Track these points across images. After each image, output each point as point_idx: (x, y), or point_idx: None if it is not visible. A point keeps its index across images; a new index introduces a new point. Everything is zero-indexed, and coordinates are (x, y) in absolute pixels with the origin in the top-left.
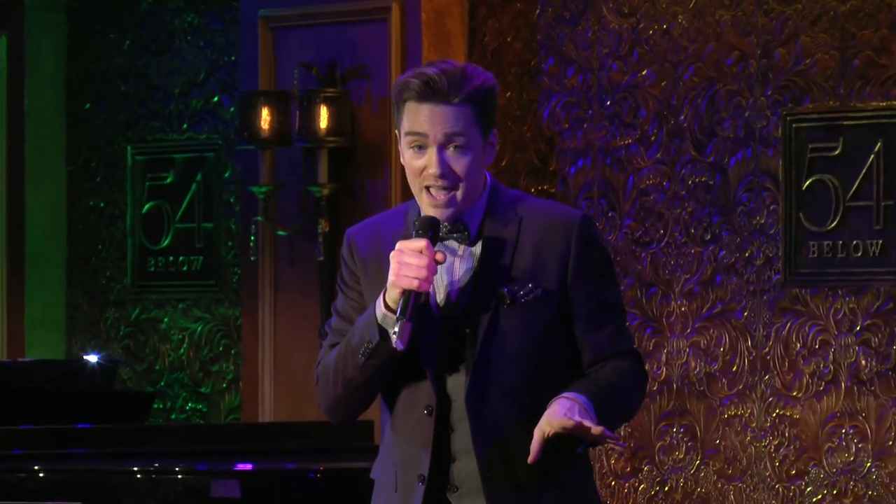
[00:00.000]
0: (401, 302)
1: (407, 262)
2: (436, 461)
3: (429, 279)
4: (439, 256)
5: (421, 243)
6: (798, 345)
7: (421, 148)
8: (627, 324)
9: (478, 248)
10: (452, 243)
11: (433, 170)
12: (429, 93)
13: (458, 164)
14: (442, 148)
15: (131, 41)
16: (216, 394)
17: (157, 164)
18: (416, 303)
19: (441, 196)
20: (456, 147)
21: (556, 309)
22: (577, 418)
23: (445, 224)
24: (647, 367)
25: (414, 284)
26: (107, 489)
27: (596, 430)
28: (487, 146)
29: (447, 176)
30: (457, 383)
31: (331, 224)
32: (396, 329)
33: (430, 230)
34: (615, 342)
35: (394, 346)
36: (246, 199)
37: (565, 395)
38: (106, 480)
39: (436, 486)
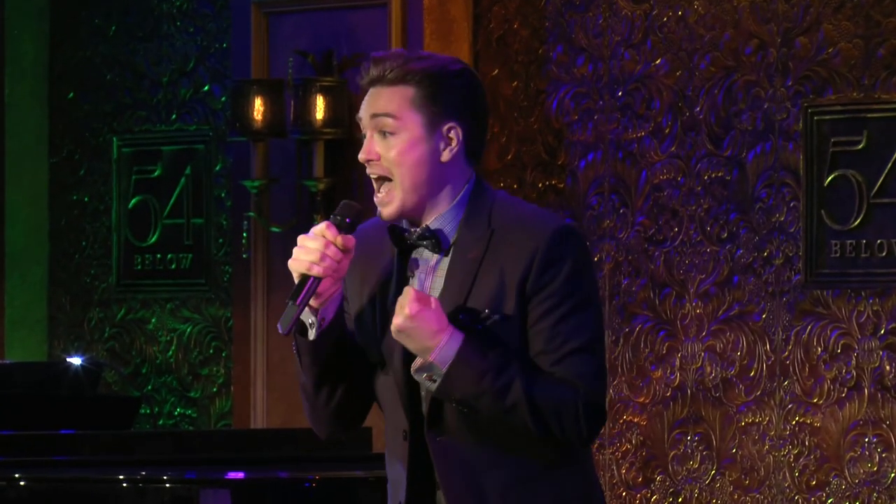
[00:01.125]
0: (296, 285)
1: (305, 246)
2: (417, 489)
3: (325, 263)
4: (339, 241)
5: (322, 226)
6: (819, 349)
7: (365, 139)
8: (600, 366)
9: (446, 263)
10: (426, 253)
11: (360, 155)
12: (371, 75)
13: (386, 151)
14: (372, 133)
15: (117, 27)
16: (206, 398)
17: (143, 157)
18: (310, 289)
19: (380, 191)
20: (383, 131)
21: (518, 332)
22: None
23: (415, 230)
24: (593, 434)
25: (304, 267)
26: (91, 498)
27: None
28: (437, 138)
29: (372, 162)
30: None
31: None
32: (311, 320)
33: (347, 216)
34: (575, 378)
35: (309, 337)
36: (238, 194)
37: (444, 319)
38: (90, 489)
39: None
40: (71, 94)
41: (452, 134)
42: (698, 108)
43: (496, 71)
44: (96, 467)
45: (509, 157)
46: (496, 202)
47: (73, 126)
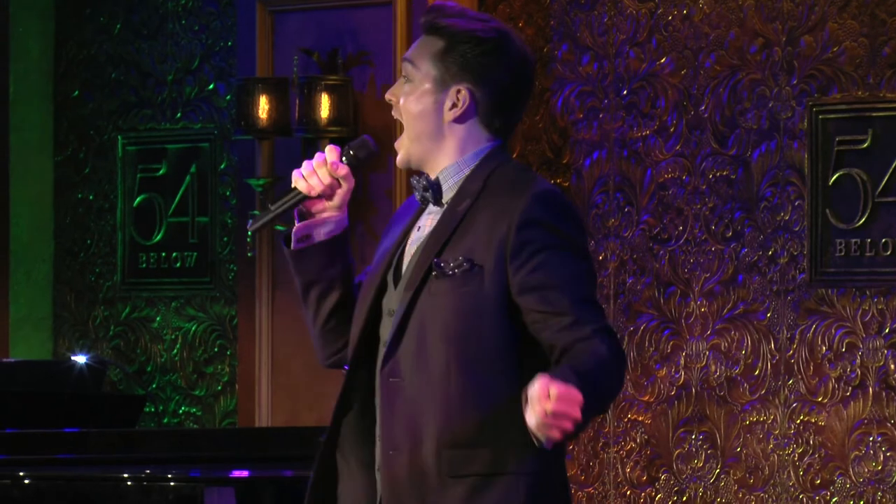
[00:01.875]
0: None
1: (307, 162)
2: (343, 422)
3: (311, 181)
4: (331, 164)
5: (328, 147)
6: (824, 348)
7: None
8: (593, 300)
9: (439, 213)
10: (432, 206)
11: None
12: (421, 21)
13: (402, 96)
14: (401, 76)
15: (122, 25)
16: (211, 397)
17: (148, 155)
18: (289, 200)
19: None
20: (404, 76)
21: (489, 288)
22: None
23: (422, 180)
24: (622, 344)
25: (294, 178)
26: (95, 496)
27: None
28: (445, 97)
29: (393, 103)
30: (380, 354)
31: None
32: (291, 233)
33: (356, 149)
34: (574, 329)
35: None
36: (243, 192)
37: (556, 374)
38: (94, 487)
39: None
40: (76, 92)
41: (460, 97)
42: (703, 107)
43: None
44: (101, 465)
45: (514, 155)
46: (502, 166)
47: (78, 124)
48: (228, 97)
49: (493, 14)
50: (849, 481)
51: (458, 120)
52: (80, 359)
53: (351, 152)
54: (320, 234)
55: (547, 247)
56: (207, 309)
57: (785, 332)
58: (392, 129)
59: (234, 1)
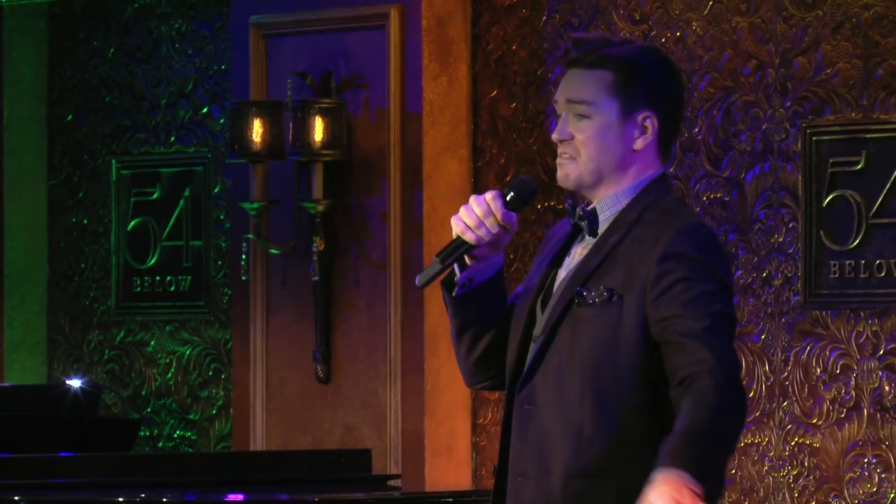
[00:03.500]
0: (448, 244)
1: (467, 208)
2: (504, 455)
3: (480, 232)
4: (500, 215)
5: (490, 195)
6: (818, 370)
7: (558, 118)
8: (724, 335)
9: (592, 242)
10: (585, 234)
11: (553, 134)
12: (570, 57)
13: (578, 132)
14: (567, 114)
15: (116, 49)
16: (205, 421)
17: (142, 179)
18: (459, 251)
19: (560, 164)
20: (576, 114)
21: (627, 319)
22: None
23: (578, 210)
24: (739, 377)
25: (459, 229)
26: None
27: None
28: (631, 126)
29: (563, 141)
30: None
31: (326, 242)
32: (456, 278)
33: (518, 193)
34: (693, 362)
35: (453, 293)
36: (236, 216)
37: (669, 473)
38: None
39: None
40: (70, 116)
41: (648, 123)
42: (697, 129)
43: (495, 92)
44: (96, 490)
45: (508, 178)
46: (661, 199)
47: (72, 148)
48: (222, 121)
49: (487, 36)
50: (844, 503)
51: (645, 148)
52: (75, 383)
53: (514, 195)
54: (481, 277)
55: (686, 278)
56: (202, 333)
57: (779, 353)
58: (384, 152)
59: (228, 25)
